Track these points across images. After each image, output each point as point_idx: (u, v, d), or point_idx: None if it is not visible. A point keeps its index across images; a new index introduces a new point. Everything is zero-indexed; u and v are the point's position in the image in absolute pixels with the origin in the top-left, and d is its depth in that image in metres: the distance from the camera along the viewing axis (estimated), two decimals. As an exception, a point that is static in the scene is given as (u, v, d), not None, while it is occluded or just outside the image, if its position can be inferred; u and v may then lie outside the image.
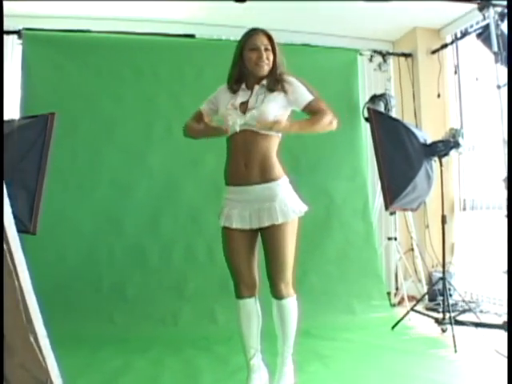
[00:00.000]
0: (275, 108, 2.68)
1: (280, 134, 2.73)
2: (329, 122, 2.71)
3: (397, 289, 5.43)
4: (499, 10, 4.28)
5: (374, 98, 5.14)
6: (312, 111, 2.73)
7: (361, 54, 5.30)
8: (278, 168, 2.71)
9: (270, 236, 2.67)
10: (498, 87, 4.15)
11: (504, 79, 4.15)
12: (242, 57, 2.75)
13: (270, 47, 2.71)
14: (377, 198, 5.25)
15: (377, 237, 5.24)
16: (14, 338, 1.54)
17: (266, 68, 2.70)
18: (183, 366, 3.42)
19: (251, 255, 2.77)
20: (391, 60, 5.61)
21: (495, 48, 4.21)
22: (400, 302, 5.25)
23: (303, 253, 4.69)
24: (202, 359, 3.53)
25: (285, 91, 2.71)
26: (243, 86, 2.77)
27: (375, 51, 5.42)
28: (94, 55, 4.59)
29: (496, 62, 4.20)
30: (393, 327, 4.33)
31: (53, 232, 4.19)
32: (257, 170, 2.65)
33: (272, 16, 5.06)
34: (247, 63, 2.72)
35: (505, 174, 4.09)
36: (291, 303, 2.74)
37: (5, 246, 1.47)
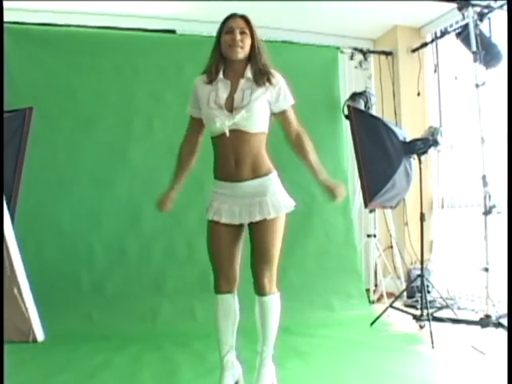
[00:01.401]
0: (262, 106, 2.62)
1: (267, 130, 2.68)
2: (309, 141, 2.72)
3: (376, 286, 5.47)
4: (478, 9, 4.33)
5: (355, 96, 5.16)
6: (285, 120, 2.70)
7: (342, 52, 5.30)
8: (268, 163, 2.66)
9: (259, 230, 2.60)
10: (477, 86, 4.20)
11: (482, 78, 4.20)
12: (219, 42, 2.66)
13: (246, 31, 2.62)
14: (357, 196, 5.28)
15: (356, 234, 5.27)
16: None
17: (239, 51, 2.59)
18: (162, 362, 3.41)
19: (235, 251, 2.70)
20: (372, 58, 5.62)
21: (474, 47, 4.26)
22: (379, 299, 5.29)
23: (284, 249, 4.73)
24: (181, 355, 3.52)
25: (270, 86, 2.63)
26: (221, 75, 2.65)
27: (356, 49, 5.43)
28: (74, 50, 4.53)
29: (474, 61, 4.25)
30: (371, 324, 4.36)
31: (31, 228, 4.14)
32: (248, 167, 2.59)
33: (253, 13, 5.02)
34: (222, 47, 2.63)
35: (482, 172, 4.14)
36: (274, 301, 2.68)
37: None
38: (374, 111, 5.28)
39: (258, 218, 2.58)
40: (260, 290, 2.64)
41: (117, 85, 4.60)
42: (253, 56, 2.65)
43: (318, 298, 4.68)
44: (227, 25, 2.64)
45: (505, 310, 4.02)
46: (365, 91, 5.23)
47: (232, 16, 2.67)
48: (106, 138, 4.54)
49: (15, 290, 1.48)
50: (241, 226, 2.67)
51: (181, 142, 2.83)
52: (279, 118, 2.70)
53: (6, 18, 4.35)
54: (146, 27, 4.81)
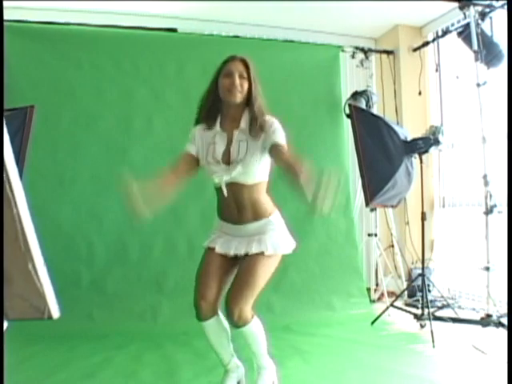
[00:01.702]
0: (259, 159, 2.57)
1: (267, 178, 2.68)
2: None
3: (377, 285, 5.46)
4: (480, 9, 4.32)
5: (356, 95, 5.15)
6: (275, 155, 2.50)
7: (343, 51, 5.30)
8: (268, 206, 2.67)
9: (250, 260, 2.58)
10: (478, 85, 4.20)
11: (483, 78, 4.19)
12: (217, 84, 2.62)
13: (245, 75, 2.58)
14: (358, 195, 5.27)
15: (357, 233, 5.27)
16: (13, 268, 1.49)
17: (238, 95, 2.55)
18: (162, 361, 3.42)
19: (222, 280, 2.65)
20: (373, 57, 5.62)
21: (475, 47, 4.26)
22: (380, 298, 5.29)
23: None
24: (182, 354, 3.53)
25: (262, 133, 2.56)
26: (218, 127, 2.63)
27: (357, 48, 5.42)
28: (74, 48, 4.53)
29: (476, 60, 4.25)
30: (372, 323, 4.36)
31: (31, 226, 4.14)
32: (249, 212, 2.61)
33: (255, 11, 5.06)
34: (220, 90, 2.59)
35: (483, 171, 4.14)
36: (250, 329, 2.61)
37: (4, 174, 1.40)
38: (375, 110, 5.27)
39: (254, 251, 2.57)
40: (232, 321, 2.56)
41: (117, 83, 4.60)
42: (249, 101, 2.60)
43: (318, 297, 4.67)
44: (226, 67, 2.60)
45: (506, 310, 4.02)
46: (366, 90, 5.23)
47: (231, 58, 2.62)
48: (107, 136, 4.53)
49: (30, 265, 1.43)
50: (235, 260, 2.66)
51: (169, 169, 2.65)
52: (271, 154, 2.55)
53: (6, 16, 4.35)
54: (146, 25, 4.81)
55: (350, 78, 5.61)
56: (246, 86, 2.58)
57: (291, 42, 5.12)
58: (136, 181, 2.36)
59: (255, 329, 2.64)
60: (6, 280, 1.49)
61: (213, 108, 2.66)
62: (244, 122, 2.61)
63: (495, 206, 4.08)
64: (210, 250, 2.68)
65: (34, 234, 1.54)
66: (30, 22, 4.43)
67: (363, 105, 5.06)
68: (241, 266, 2.62)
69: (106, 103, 4.55)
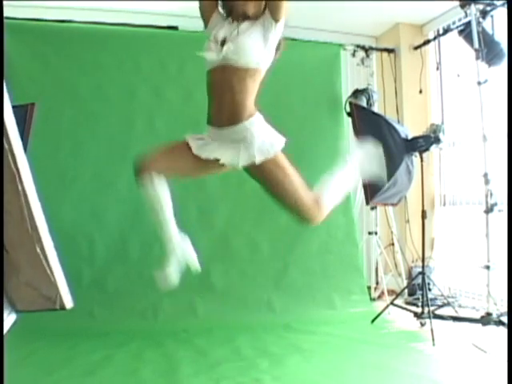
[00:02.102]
0: (253, 40, 2.46)
1: (263, 69, 2.53)
2: None
3: (377, 283, 5.47)
4: (481, 7, 4.31)
5: (357, 93, 5.15)
6: None
7: (344, 49, 5.29)
8: (249, 107, 2.51)
9: (259, 177, 2.56)
10: (479, 84, 4.19)
11: (484, 76, 4.19)
12: None
13: None
14: (358, 193, 5.27)
15: (358, 231, 5.27)
16: (19, 252, 1.37)
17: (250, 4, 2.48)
18: (163, 358, 3.41)
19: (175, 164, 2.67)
20: (374, 55, 5.61)
21: (476, 45, 4.24)
22: (380, 296, 5.29)
23: (285, 246, 4.74)
24: (182, 352, 3.53)
25: (267, 22, 2.47)
26: (229, 18, 2.55)
27: (358, 46, 5.42)
28: (75, 46, 4.52)
29: (477, 58, 4.24)
30: (372, 321, 4.36)
31: (32, 224, 4.14)
32: (226, 111, 2.48)
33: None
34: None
35: (484, 169, 4.13)
36: (330, 202, 2.69)
37: (6, 145, 1.28)
38: (375, 108, 5.26)
39: (245, 162, 2.50)
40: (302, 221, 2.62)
41: (119, 81, 4.60)
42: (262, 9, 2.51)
43: (319, 296, 4.67)
44: None
45: (506, 308, 4.02)
46: (367, 88, 5.22)
47: None
48: (108, 134, 4.53)
49: (38, 248, 1.29)
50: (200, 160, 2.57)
51: None
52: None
53: (7, 14, 4.34)
54: (148, 23, 4.81)
55: (351, 76, 5.61)
56: None
57: (292, 40, 5.10)
58: None
59: (331, 195, 2.70)
60: (12, 267, 1.36)
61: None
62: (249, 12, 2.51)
63: (496, 204, 4.07)
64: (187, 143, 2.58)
65: (41, 212, 1.43)
66: (31, 20, 4.43)
67: (364, 103, 5.05)
68: (262, 184, 2.59)
69: (107, 101, 4.55)
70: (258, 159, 2.48)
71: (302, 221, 2.58)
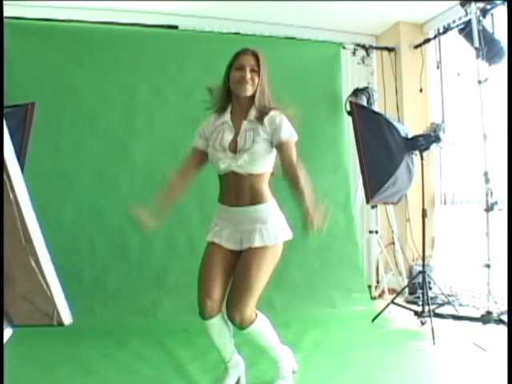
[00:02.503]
0: (265, 148, 2.61)
1: (271, 169, 2.70)
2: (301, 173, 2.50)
3: (377, 282, 5.47)
4: (481, 5, 4.31)
5: (357, 92, 5.15)
6: (281, 153, 2.60)
7: (344, 48, 5.28)
8: (268, 194, 2.68)
9: (246, 258, 2.60)
10: (479, 82, 4.19)
11: (484, 75, 4.18)
12: (228, 77, 2.66)
13: (256, 68, 2.61)
14: (359, 192, 5.27)
15: (358, 230, 5.27)
16: (13, 264, 1.32)
17: (248, 88, 2.60)
18: (163, 357, 3.42)
19: (227, 276, 2.65)
20: (374, 54, 5.61)
21: (476, 43, 4.25)
22: (380, 295, 5.29)
23: (285, 245, 4.73)
24: (183, 351, 3.54)
25: (267, 124, 2.62)
26: (228, 117, 2.68)
27: (358, 45, 5.41)
28: (75, 45, 4.52)
29: (477, 57, 4.24)
30: (373, 320, 4.37)
31: (33, 223, 4.14)
32: (248, 197, 2.62)
33: (256, 8, 5.05)
34: (231, 83, 2.64)
35: (484, 168, 4.13)
36: (256, 328, 2.63)
37: None
38: (376, 107, 5.25)
39: (256, 244, 2.57)
40: (237, 323, 2.57)
41: (119, 80, 4.60)
42: (259, 93, 2.64)
43: (319, 294, 4.68)
44: (238, 61, 2.63)
45: (506, 307, 4.02)
46: (367, 87, 5.22)
47: (243, 52, 2.65)
48: (108, 133, 4.53)
49: (32, 262, 1.23)
50: (237, 254, 2.67)
51: (177, 171, 2.81)
52: (277, 151, 2.64)
53: (7, 13, 4.35)
54: (148, 22, 4.82)
55: (351, 75, 5.60)
56: (257, 79, 2.62)
57: (292, 39, 5.12)
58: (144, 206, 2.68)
59: (261, 326, 2.66)
60: (7, 279, 1.29)
61: (225, 99, 2.72)
62: (252, 113, 2.64)
63: (496, 203, 4.07)
64: (214, 244, 2.68)
65: (36, 222, 1.38)
66: (31, 19, 4.43)
67: (364, 102, 5.05)
68: (240, 266, 2.61)
69: (107, 100, 4.55)
70: (271, 242, 2.61)
71: (232, 321, 2.59)
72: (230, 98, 2.72)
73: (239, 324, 2.55)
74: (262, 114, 2.63)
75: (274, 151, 2.66)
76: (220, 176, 2.70)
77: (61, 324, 1.36)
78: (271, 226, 2.63)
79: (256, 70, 2.62)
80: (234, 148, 2.61)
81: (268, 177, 2.70)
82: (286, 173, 2.55)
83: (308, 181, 2.50)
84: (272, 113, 2.63)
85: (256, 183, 2.63)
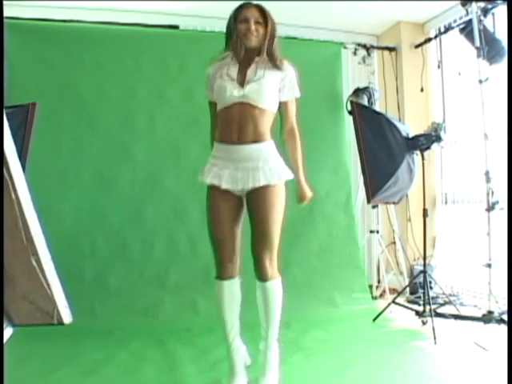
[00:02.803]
0: (273, 85, 2.67)
1: (274, 111, 2.72)
2: (298, 140, 2.80)
3: (378, 281, 5.47)
4: (482, 5, 4.31)
5: (358, 91, 5.15)
6: (285, 111, 2.77)
7: (345, 47, 5.28)
8: (268, 132, 2.68)
9: (259, 199, 2.59)
10: (480, 82, 4.18)
11: (485, 74, 4.18)
12: (233, 30, 2.68)
13: (261, 20, 2.65)
14: (359, 191, 5.27)
15: (359, 230, 5.27)
16: (14, 264, 1.33)
17: (253, 39, 2.63)
18: (165, 357, 3.41)
19: (237, 226, 2.67)
20: (375, 53, 5.60)
21: (477, 43, 4.24)
22: (381, 295, 5.29)
23: (286, 245, 4.72)
24: (184, 351, 3.53)
25: (279, 71, 2.70)
26: (234, 60, 2.70)
27: (359, 44, 5.40)
28: (76, 45, 4.52)
29: (478, 56, 4.24)
30: (374, 319, 4.36)
31: (34, 223, 4.14)
32: (251, 133, 2.61)
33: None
34: (238, 35, 2.65)
35: (485, 168, 4.13)
36: (277, 285, 2.66)
37: None
38: (377, 107, 5.26)
39: (262, 183, 2.57)
40: (262, 274, 2.62)
41: (119, 80, 4.59)
42: (267, 45, 2.67)
43: (320, 294, 4.67)
44: (241, 14, 2.66)
45: (507, 307, 4.02)
46: (368, 87, 5.22)
47: (246, 5, 2.69)
48: (109, 133, 4.53)
49: (33, 261, 1.24)
50: (241, 198, 2.67)
51: (210, 129, 2.85)
52: (280, 107, 2.75)
53: (7, 13, 4.34)
54: (149, 22, 4.81)
55: (352, 74, 5.60)
56: (261, 31, 2.65)
57: (293, 38, 5.10)
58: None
59: (279, 288, 2.68)
60: (7, 279, 1.30)
61: (233, 46, 2.69)
62: (263, 57, 2.67)
63: (497, 202, 4.07)
64: (215, 189, 2.62)
65: (37, 222, 1.38)
66: (32, 19, 4.42)
67: (365, 101, 5.05)
68: (253, 212, 2.63)
69: (108, 101, 4.55)
70: (276, 180, 2.60)
71: (261, 269, 2.62)
72: (234, 51, 2.71)
73: (270, 273, 2.60)
74: (273, 60, 2.68)
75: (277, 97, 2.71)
76: (222, 111, 2.67)
77: (61, 323, 1.36)
78: (273, 165, 2.63)
79: (260, 22, 2.65)
80: (242, 81, 2.63)
81: (271, 119, 2.71)
82: (286, 135, 2.77)
83: (301, 150, 2.77)
84: (285, 61, 2.73)
85: (260, 118, 2.62)
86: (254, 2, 2.71)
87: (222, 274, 2.64)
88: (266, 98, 2.63)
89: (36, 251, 1.32)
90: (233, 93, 2.59)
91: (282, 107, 2.75)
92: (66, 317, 1.37)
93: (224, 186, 2.59)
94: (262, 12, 2.67)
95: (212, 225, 2.65)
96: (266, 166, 2.60)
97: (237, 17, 2.66)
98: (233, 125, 2.61)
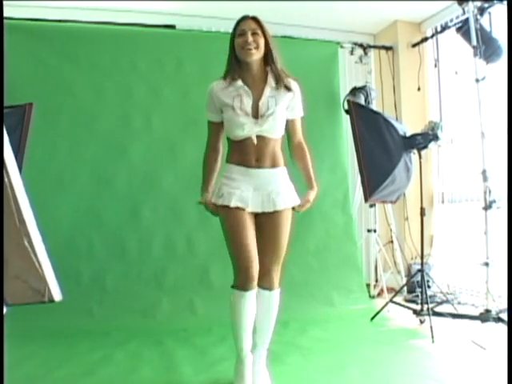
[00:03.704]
0: (284, 113, 2.71)
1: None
2: (307, 152, 2.85)
3: (376, 281, 5.48)
4: (478, 4, 4.31)
5: (355, 91, 5.15)
6: (292, 128, 2.80)
7: (342, 47, 5.29)
8: (282, 157, 2.75)
9: (273, 220, 2.66)
10: (477, 81, 4.19)
11: (482, 73, 4.18)
12: (233, 47, 2.67)
13: (258, 31, 2.62)
14: (357, 191, 5.28)
15: (357, 229, 5.27)
16: (7, 245, 1.39)
17: (253, 52, 2.59)
18: (163, 357, 3.40)
19: (255, 244, 2.66)
20: (372, 53, 5.61)
21: (474, 42, 4.24)
22: (379, 294, 5.30)
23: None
24: (182, 351, 3.52)
25: (288, 93, 2.71)
26: (240, 82, 2.65)
27: (356, 44, 5.41)
28: (72, 45, 4.51)
29: (475, 55, 4.24)
30: (372, 319, 4.37)
31: (31, 224, 4.14)
32: (268, 160, 2.67)
33: (253, 8, 5.02)
34: (236, 50, 2.64)
35: (482, 166, 4.13)
36: (277, 295, 2.75)
37: None
38: (374, 106, 5.27)
39: (282, 207, 2.65)
40: (269, 285, 2.70)
41: (116, 81, 4.59)
42: (268, 59, 2.68)
43: (318, 293, 4.68)
44: (239, 28, 2.65)
45: (505, 305, 4.03)
46: (365, 86, 5.22)
47: (243, 19, 2.68)
48: (105, 133, 4.53)
49: (25, 241, 1.30)
50: (253, 216, 2.69)
51: (205, 150, 2.83)
52: (288, 124, 2.77)
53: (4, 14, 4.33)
54: (145, 22, 4.81)
55: (349, 74, 5.61)
56: (261, 42, 2.63)
57: (290, 38, 5.10)
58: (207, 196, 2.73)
59: (278, 297, 2.77)
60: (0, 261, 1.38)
61: (234, 67, 2.68)
62: (271, 79, 2.68)
63: (494, 201, 4.07)
64: (236, 209, 2.60)
65: (28, 206, 1.44)
66: (27, 19, 4.41)
67: (362, 101, 5.06)
68: (268, 229, 2.68)
69: (104, 101, 4.54)
70: (291, 204, 2.72)
71: (270, 279, 2.71)
72: (238, 66, 2.69)
73: (276, 282, 2.72)
74: (279, 80, 2.68)
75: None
76: (236, 141, 2.67)
77: (52, 300, 1.40)
78: (290, 189, 2.73)
79: (258, 33, 2.62)
80: (255, 113, 2.63)
81: (281, 141, 2.76)
82: (295, 149, 2.83)
83: (311, 162, 2.84)
84: (291, 81, 2.73)
85: (275, 146, 2.69)
86: (251, 15, 2.70)
87: (248, 285, 2.60)
88: (280, 129, 2.69)
89: (28, 233, 1.37)
90: (250, 129, 2.61)
91: (290, 124, 2.78)
92: (57, 295, 1.41)
93: (250, 209, 2.63)
94: (259, 23, 2.65)
95: (238, 241, 2.61)
96: (284, 190, 2.68)
97: (235, 33, 2.67)
98: (251, 153, 2.64)
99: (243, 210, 2.61)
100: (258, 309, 2.70)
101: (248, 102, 2.63)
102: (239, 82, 2.65)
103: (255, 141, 2.61)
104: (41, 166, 4.26)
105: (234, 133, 2.65)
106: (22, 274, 1.38)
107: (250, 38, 2.59)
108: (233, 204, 2.59)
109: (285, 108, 2.70)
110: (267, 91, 2.65)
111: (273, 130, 2.63)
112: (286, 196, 2.68)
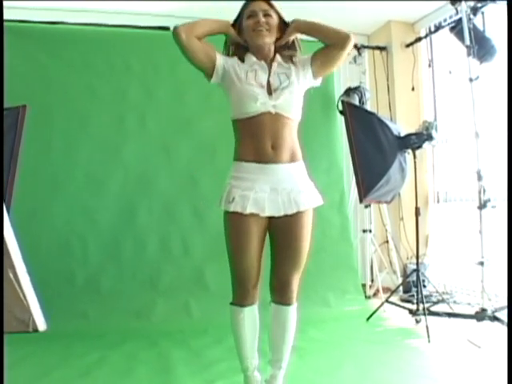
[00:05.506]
0: (300, 90, 2.41)
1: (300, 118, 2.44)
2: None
3: (372, 281, 5.48)
4: (471, 4, 4.32)
5: (349, 91, 5.16)
6: (321, 51, 2.49)
7: (336, 47, 5.28)
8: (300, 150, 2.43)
9: (296, 223, 2.34)
10: (471, 80, 4.19)
11: (476, 73, 4.19)
12: (242, 29, 2.43)
13: (270, 12, 2.39)
14: (352, 191, 5.28)
15: (352, 229, 5.27)
16: None
17: (265, 33, 2.35)
18: (158, 359, 3.40)
19: (262, 250, 2.39)
20: (366, 53, 5.63)
21: (467, 42, 4.25)
22: (375, 294, 5.30)
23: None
24: (177, 352, 3.52)
25: (295, 64, 2.44)
26: (253, 58, 2.41)
27: (350, 44, 5.41)
28: (66, 47, 4.50)
29: (468, 55, 4.25)
30: (367, 319, 4.37)
31: (25, 226, 4.11)
32: (287, 150, 2.34)
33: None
34: (246, 34, 2.40)
35: (477, 166, 4.14)
36: (294, 310, 2.47)
37: None
38: (368, 106, 5.27)
39: (306, 207, 2.35)
40: (287, 300, 2.43)
41: (110, 82, 4.57)
42: (283, 39, 2.46)
43: (314, 294, 4.66)
44: (247, 10, 2.42)
45: (500, 304, 4.04)
46: (359, 86, 5.23)
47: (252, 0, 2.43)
48: (100, 134, 4.51)
49: (10, 274, 1.31)
50: (268, 219, 2.35)
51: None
52: (317, 57, 2.48)
53: None
54: (139, 24, 4.79)
55: (343, 74, 5.62)
56: (273, 22, 2.40)
57: (284, 38, 5.10)
58: None
59: (295, 313, 2.48)
60: None
61: (242, 51, 2.46)
62: (279, 58, 2.43)
63: (489, 200, 4.08)
64: (243, 214, 2.27)
65: (13, 236, 1.41)
66: (21, 22, 4.40)
67: (356, 101, 5.06)
68: (288, 234, 2.36)
69: (98, 102, 4.53)
70: (314, 204, 2.42)
71: (289, 292, 2.43)
72: (246, 50, 2.45)
73: (290, 295, 2.41)
74: (288, 54, 2.46)
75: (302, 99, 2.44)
76: (246, 120, 2.34)
77: (36, 330, 1.41)
78: (310, 186, 2.42)
79: (270, 15, 2.39)
80: (269, 89, 2.34)
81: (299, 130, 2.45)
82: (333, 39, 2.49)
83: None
84: (298, 53, 2.48)
85: (293, 132, 2.37)
86: None
87: (245, 301, 2.41)
88: (297, 108, 2.40)
89: (13, 264, 1.38)
90: (265, 102, 2.30)
91: (315, 55, 2.48)
92: (41, 325, 1.42)
93: (267, 213, 2.30)
94: (270, 4, 2.43)
95: (239, 253, 2.35)
96: (305, 188, 2.38)
97: (243, 14, 2.44)
98: (265, 137, 2.31)
99: (256, 215, 2.29)
100: (273, 325, 2.50)
101: (264, 77, 2.37)
102: (253, 58, 2.41)
103: (273, 111, 2.30)
104: (35, 167, 4.25)
105: (245, 106, 2.31)
106: (6, 304, 1.38)
107: (263, 19, 2.36)
108: (248, 211, 2.27)
109: (302, 78, 2.41)
110: (274, 66, 2.39)
111: (290, 105, 2.33)
112: (309, 194, 2.37)
